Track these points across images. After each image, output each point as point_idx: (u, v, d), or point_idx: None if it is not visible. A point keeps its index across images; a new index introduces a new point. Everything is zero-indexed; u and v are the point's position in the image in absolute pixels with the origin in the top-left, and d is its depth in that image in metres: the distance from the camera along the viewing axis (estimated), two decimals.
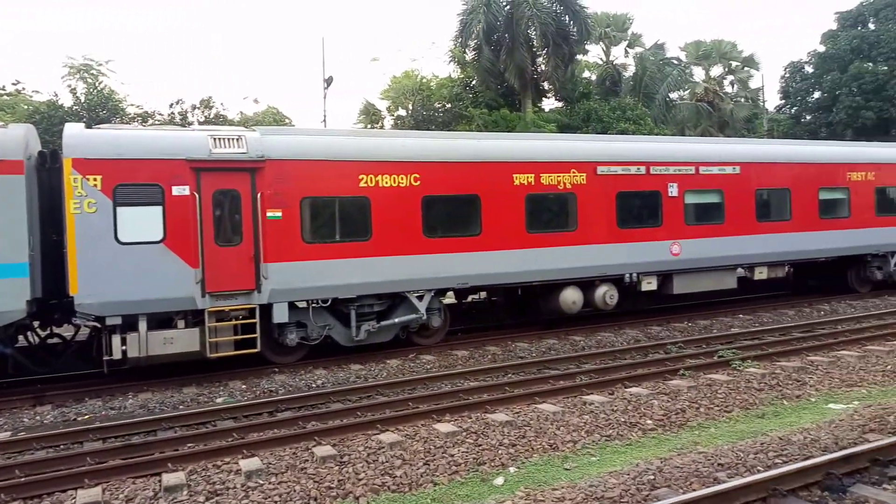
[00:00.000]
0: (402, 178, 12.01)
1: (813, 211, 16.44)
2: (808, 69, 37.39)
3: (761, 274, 16.09)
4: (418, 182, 12.12)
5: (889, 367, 10.20)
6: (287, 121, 33.12)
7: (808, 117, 36.88)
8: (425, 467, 6.73)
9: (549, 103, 32.44)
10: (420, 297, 12.24)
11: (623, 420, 8.03)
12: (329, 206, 11.68)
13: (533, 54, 28.45)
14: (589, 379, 9.81)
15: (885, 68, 32.43)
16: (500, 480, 6.46)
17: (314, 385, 10.62)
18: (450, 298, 15.08)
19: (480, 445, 7.29)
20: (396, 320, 12.17)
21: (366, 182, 11.70)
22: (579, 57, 32.54)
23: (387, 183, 11.86)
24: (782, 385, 9.36)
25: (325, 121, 26.84)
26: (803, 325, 13.78)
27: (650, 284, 14.62)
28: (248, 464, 6.86)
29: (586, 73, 34.44)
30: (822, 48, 36.83)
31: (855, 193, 17.06)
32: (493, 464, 6.83)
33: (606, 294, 14.09)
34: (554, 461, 6.92)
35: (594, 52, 35.59)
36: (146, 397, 10.10)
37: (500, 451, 7.12)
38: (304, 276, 11.17)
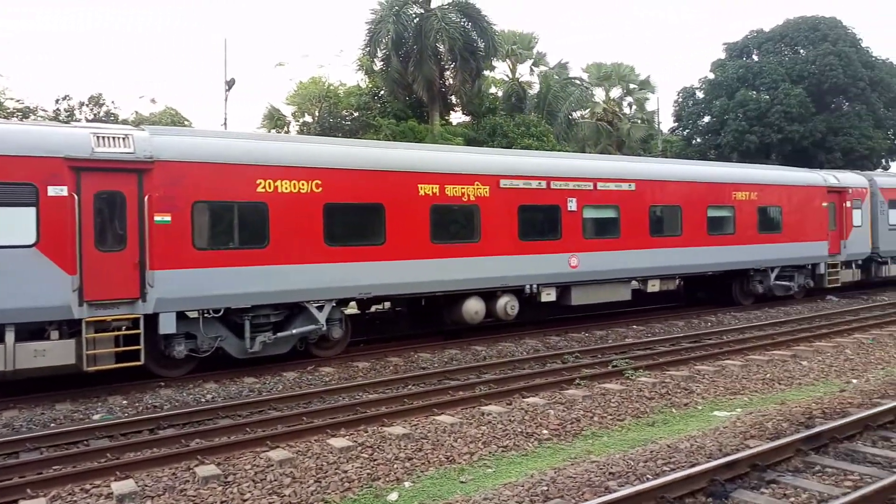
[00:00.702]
0: (302, 185, 11.64)
1: (702, 227, 17.32)
2: (699, 94, 39.77)
3: (654, 286, 16.77)
4: (320, 189, 11.79)
5: (768, 375, 10.79)
6: (186, 123, 31.79)
7: (699, 139, 39.16)
8: (316, 485, 6.44)
9: (457, 117, 32.80)
10: (320, 308, 11.89)
11: (520, 430, 8.03)
12: (223, 212, 11.15)
13: (441, 67, 28.65)
14: (488, 389, 9.80)
15: (767, 97, 34.97)
16: (394, 496, 6.27)
17: (203, 400, 10.03)
18: (352, 309, 14.78)
19: (376, 460, 7.07)
20: (294, 331, 11.75)
21: (264, 187, 11.26)
22: (486, 73, 33.08)
23: (286, 189, 11.46)
24: (671, 393, 9.69)
25: (225, 124, 25.88)
26: (692, 336, 14.42)
27: (549, 295, 14.90)
28: (121, 486, 6.33)
29: (493, 89, 35.08)
30: (711, 76, 39.28)
31: (739, 212, 18.12)
32: (387, 479, 6.63)
33: (508, 304, 14.23)
34: (450, 474, 6.80)
35: (501, 69, 36.38)
36: (12, 415, 9.21)
37: (395, 466, 6.93)
38: (195, 285, 10.57)
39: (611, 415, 8.71)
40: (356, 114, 29.34)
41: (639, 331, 15.70)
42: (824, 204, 20.13)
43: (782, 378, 10.63)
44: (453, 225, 13.65)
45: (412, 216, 12.85)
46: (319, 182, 11.78)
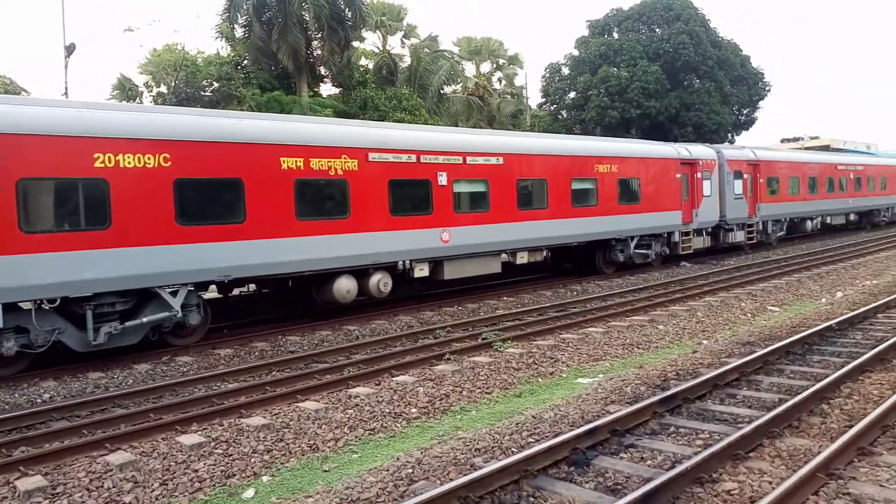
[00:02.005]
0: (149, 159, 10.64)
1: (566, 200, 17.80)
2: (565, 71, 41.03)
3: (523, 258, 17.11)
4: (169, 163, 10.84)
5: (628, 340, 11.24)
6: (22, 92, 28.62)
7: (565, 114, 40.51)
8: (162, 488, 5.87)
9: (327, 89, 31.81)
10: (174, 293, 11.01)
11: (388, 411, 7.80)
12: (56, 190, 9.96)
13: (308, 37, 27.57)
14: (357, 370, 9.48)
15: (627, 74, 36.64)
16: (250, 493, 5.84)
17: (39, 401, 8.99)
18: (213, 293, 13.92)
19: (231, 455, 6.57)
20: (145, 320, 10.80)
21: (103, 162, 10.16)
22: (356, 44, 32.29)
23: (130, 163, 10.43)
24: (538, 363, 9.84)
25: (66, 93, 23.44)
26: (558, 305, 14.82)
27: (423, 271, 14.78)
28: None
29: (363, 61, 34.30)
30: (576, 52, 40.59)
31: (601, 184, 18.80)
32: (244, 475, 6.17)
33: (380, 282, 13.94)
34: (313, 464, 6.45)
35: (371, 41, 35.60)
36: None
37: (253, 460, 6.47)
38: (23, 273, 9.40)
39: (479, 388, 8.69)
40: (217, 84, 27.61)
41: (509, 302, 15.95)
42: (678, 175, 21.36)
43: (641, 342, 11.11)
44: (320, 200, 13.09)
45: (275, 192, 12.17)
46: (168, 156, 10.82)
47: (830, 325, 10.58)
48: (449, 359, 10.00)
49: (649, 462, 5.89)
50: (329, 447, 6.83)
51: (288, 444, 6.87)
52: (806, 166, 28.25)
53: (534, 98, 46.19)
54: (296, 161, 12.47)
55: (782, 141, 54.90)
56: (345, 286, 13.38)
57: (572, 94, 40.24)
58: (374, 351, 11.07)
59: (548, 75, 40.94)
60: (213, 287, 12.93)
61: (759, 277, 17.61)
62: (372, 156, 13.63)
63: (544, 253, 18.23)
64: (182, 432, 7.15)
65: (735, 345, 10.36)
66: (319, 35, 27.43)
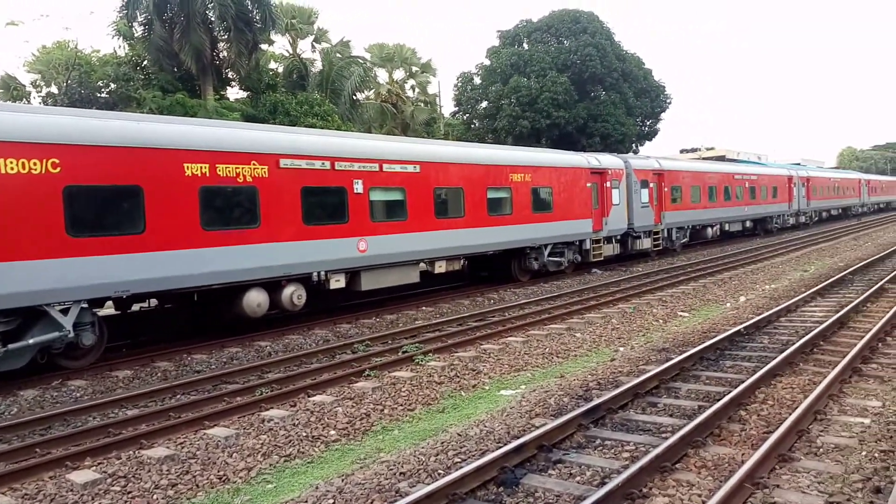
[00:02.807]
0: (34, 164, 9.68)
1: (483, 208, 17.79)
2: (477, 80, 41.39)
3: (441, 267, 16.95)
4: (58, 169, 9.91)
5: (547, 349, 11.23)
6: None
7: (477, 123, 40.83)
8: None
9: (235, 93, 30.64)
10: (65, 311, 10.06)
11: (305, 434, 7.35)
12: None
13: (213, 37, 26.42)
14: (270, 391, 8.94)
15: (536, 84, 37.33)
16: None
17: None
18: (110, 309, 12.91)
19: (130, 493, 5.95)
20: (32, 341, 9.80)
21: None
22: (265, 47, 31.31)
23: (12, 169, 9.44)
24: (460, 376, 9.63)
25: None
26: (477, 315, 14.71)
27: (339, 282, 14.31)
28: None
29: (273, 65, 33.31)
30: (487, 62, 41.02)
31: (516, 193, 18.93)
32: None
33: (294, 294, 13.37)
34: (223, 497, 5.94)
35: (281, 44, 34.64)
36: None
37: (155, 496, 5.89)
38: None
39: (401, 405, 8.37)
40: (114, 85, 25.98)
41: (428, 312, 15.72)
42: (588, 184, 21.85)
43: (560, 351, 11.13)
44: (228, 209, 12.38)
45: (178, 200, 11.40)
46: (57, 161, 9.89)
47: (739, 330, 10.95)
48: (369, 375, 9.63)
49: (578, 478, 5.77)
50: (241, 478, 6.32)
51: (195, 476, 6.31)
52: (706, 176, 29.66)
53: (447, 106, 46.37)
54: (201, 167, 11.76)
55: (682, 151, 57.66)
56: (255, 300, 12.72)
57: (484, 104, 40.63)
58: (289, 369, 10.53)
59: (460, 84, 41.16)
60: (109, 303, 11.98)
61: (667, 283, 18.20)
62: (283, 162, 13.06)
63: (461, 261, 18.13)
64: (73, 468, 6.43)
65: (651, 351, 10.54)
66: (225, 36, 26.36)
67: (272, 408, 8.23)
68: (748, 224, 34.64)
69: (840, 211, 51.86)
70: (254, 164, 12.57)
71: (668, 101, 44.46)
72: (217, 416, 7.87)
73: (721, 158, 43.04)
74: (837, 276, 17.13)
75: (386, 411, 8.15)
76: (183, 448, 6.97)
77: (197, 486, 6.13)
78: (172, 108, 24.50)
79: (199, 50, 25.18)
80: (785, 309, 12.99)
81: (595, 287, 18.29)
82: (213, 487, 6.12)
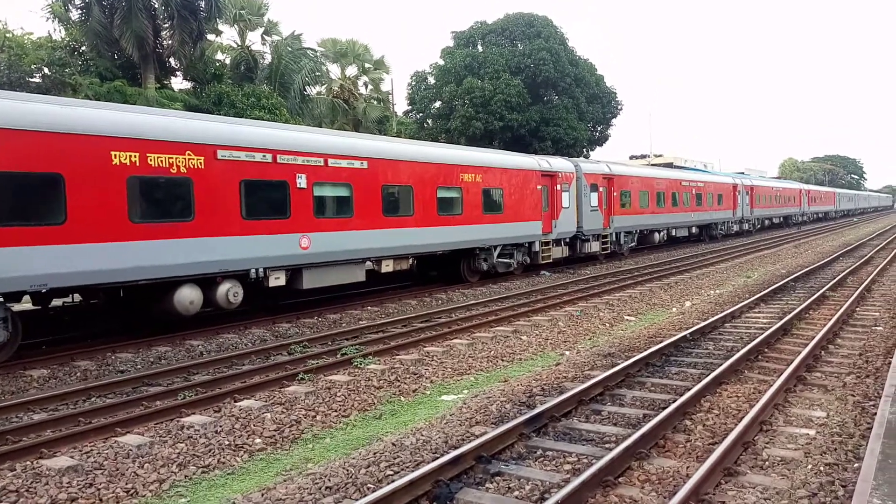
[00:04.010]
0: None
1: (432, 208, 17.41)
2: (431, 80, 41.01)
3: (388, 267, 16.49)
4: None
5: (492, 352, 10.91)
6: None
7: (431, 123, 40.45)
8: None
9: (179, 83, 29.51)
10: None
11: (227, 443, 6.81)
12: None
13: (156, 25, 25.33)
14: (195, 395, 8.34)
15: (490, 86, 37.17)
16: None
17: None
18: (27, 304, 12.04)
19: None
20: None
21: None
22: (212, 37, 30.30)
23: None
24: (401, 380, 9.21)
25: None
26: (423, 315, 14.31)
27: (279, 280, 13.71)
28: None
29: (220, 56, 32.24)
30: (441, 62, 40.69)
31: (466, 193, 18.62)
32: None
33: (230, 291, 12.73)
34: None
35: (229, 35, 33.57)
36: None
37: None
38: None
39: (335, 411, 7.90)
40: (47, 70, 24.64)
41: (373, 312, 15.25)
42: (539, 187, 21.71)
43: (505, 354, 10.82)
44: (159, 201, 11.69)
45: (104, 190, 10.66)
46: None
47: (685, 336, 10.83)
48: (303, 378, 9.10)
49: (517, 493, 5.42)
50: (151, 491, 5.76)
51: (99, 489, 5.72)
52: (655, 181, 29.97)
53: (400, 105, 45.86)
54: (130, 156, 11.04)
55: (631, 157, 58.47)
56: (187, 297, 12.05)
57: (438, 104, 40.28)
58: (219, 370, 9.92)
59: (414, 83, 40.73)
60: (26, 298, 11.14)
61: (614, 287, 18.15)
62: (221, 153, 12.42)
63: (410, 261, 17.70)
64: None
65: (597, 356, 10.31)
66: (169, 24, 25.31)
67: (194, 413, 7.65)
68: (694, 230, 35.23)
69: (781, 219, 53.41)
70: (189, 155, 11.90)
71: (619, 107, 44.95)
72: (131, 422, 7.24)
73: (669, 165, 43.74)
74: (780, 283, 17.36)
75: (318, 418, 7.67)
76: (89, 457, 6.35)
77: (101, 500, 5.55)
78: (110, 96, 23.36)
79: (141, 37, 24.09)
80: (730, 315, 12.99)
81: (543, 289, 18.10)
82: (118, 502, 5.55)
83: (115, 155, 10.86)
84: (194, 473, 6.16)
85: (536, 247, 21.58)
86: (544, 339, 11.93)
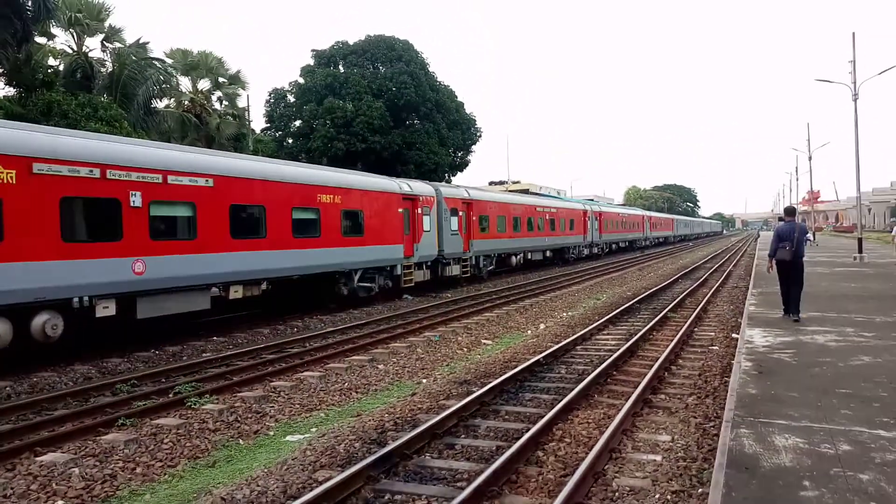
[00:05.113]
0: None
1: (287, 230, 16.56)
2: (291, 98, 39.90)
3: (237, 293, 15.37)
4: None
5: (346, 384, 10.33)
6: None
7: (291, 142, 39.25)
8: None
9: (2, 90, 26.38)
10: None
11: None
12: None
13: None
14: None
15: (352, 107, 36.78)
16: None
17: None
18: None
19: None
20: None
21: None
22: (42, 40, 27.50)
23: None
24: (241, 420, 8.39)
25: None
26: (274, 346, 13.43)
27: (108, 309, 12.28)
28: None
29: (52, 62, 29.30)
30: (301, 80, 39.75)
31: (325, 214, 17.93)
32: None
33: (47, 324, 11.21)
34: None
35: (64, 39, 30.62)
36: None
37: None
38: None
39: (161, 461, 6.97)
40: None
41: (219, 343, 14.12)
42: (400, 210, 21.46)
43: (360, 386, 10.28)
44: None
45: None
46: None
47: (539, 360, 10.85)
48: (123, 423, 8.02)
49: None
50: None
51: None
52: (511, 207, 30.80)
53: (258, 122, 44.14)
54: None
55: (490, 183, 60.27)
56: None
57: (298, 123, 39.25)
58: (25, 418, 8.55)
59: (272, 100, 39.44)
60: None
61: (473, 310, 18.17)
62: (38, 167, 10.97)
63: (262, 286, 16.66)
64: None
65: (453, 384, 10.04)
66: None
67: None
68: (548, 254, 36.61)
69: (627, 244, 57.11)
70: None
71: (478, 133, 46.16)
72: None
73: (525, 191, 45.44)
74: (626, 305, 18.18)
75: (139, 470, 6.71)
76: None
77: None
78: None
79: None
80: (581, 337, 13.29)
81: (404, 314, 17.76)
82: None
83: None
84: None
85: (398, 270, 21.25)
86: (402, 368, 11.53)
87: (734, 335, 13.01)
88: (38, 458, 6.84)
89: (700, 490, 5.65)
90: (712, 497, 4.24)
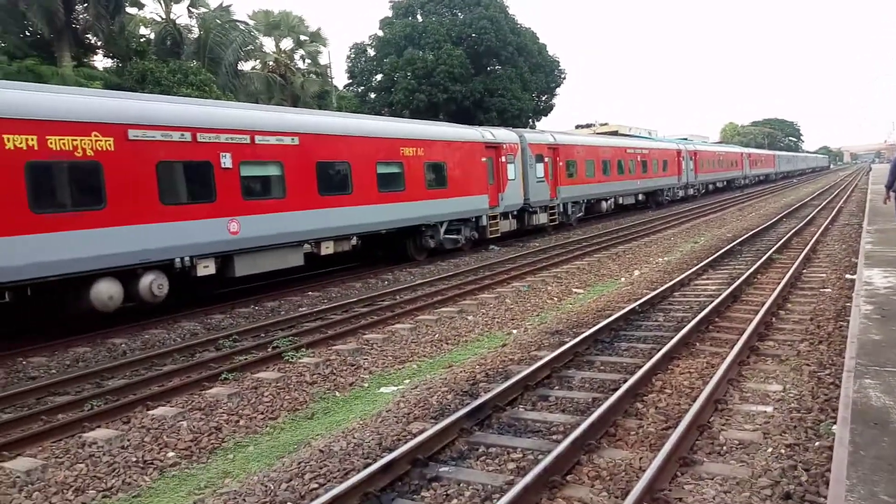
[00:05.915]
0: None
1: (373, 185, 16.62)
2: (371, 52, 39.78)
3: (328, 248, 15.67)
4: None
5: (437, 336, 10.33)
6: None
7: (373, 96, 39.31)
8: None
9: (101, 61, 27.71)
10: None
11: (135, 459, 6.06)
12: None
13: None
14: (104, 404, 7.51)
15: (432, 57, 36.24)
16: None
17: None
18: None
19: None
20: None
21: None
22: (133, 10, 28.50)
23: None
24: (336, 373, 8.55)
25: None
26: (366, 299, 13.62)
27: (208, 268, 12.80)
28: None
29: (144, 31, 30.43)
30: (381, 33, 39.47)
31: (408, 168, 17.86)
32: None
33: (154, 284, 11.80)
34: None
35: (153, 8, 31.70)
36: None
37: None
38: None
39: (262, 413, 7.20)
40: None
41: (314, 298, 14.49)
42: (483, 159, 21.09)
43: (450, 337, 10.25)
44: (64, 188, 10.64)
45: None
46: None
47: (634, 308, 10.44)
48: (226, 378, 8.34)
49: (455, 500, 4.86)
50: None
51: None
52: (600, 150, 29.70)
53: (340, 78, 44.46)
54: (26, 139, 9.95)
55: (577, 127, 58.43)
56: (105, 291, 11.07)
57: (379, 76, 39.16)
58: (137, 373, 9.07)
59: (353, 56, 39.44)
60: None
61: (562, 259, 17.77)
62: (133, 133, 11.38)
63: (352, 241, 16.91)
64: None
65: (544, 334, 9.84)
66: None
67: (98, 427, 6.82)
68: (640, 197, 35.28)
69: (725, 183, 54.26)
70: (96, 136, 10.84)
71: (562, 76, 44.61)
72: (22, 444, 6.40)
73: (614, 133, 43.70)
74: (727, 248, 17.25)
75: (242, 422, 6.96)
76: None
77: None
78: (22, 76, 21.64)
79: (51, 11, 22.33)
80: (679, 283, 12.70)
81: (492, 265, 17.61)
82: None
83: (8, 139, 9.76)
84: (93, 499, 5.41)
85: (484, 221, 21.03)
86: (491, 319, 11.42)
87: (849, 276, 12.06)
88: (149, 412, 7.22)
89: (817, 443, 5.24)
90: (838, 455, 3.87)
